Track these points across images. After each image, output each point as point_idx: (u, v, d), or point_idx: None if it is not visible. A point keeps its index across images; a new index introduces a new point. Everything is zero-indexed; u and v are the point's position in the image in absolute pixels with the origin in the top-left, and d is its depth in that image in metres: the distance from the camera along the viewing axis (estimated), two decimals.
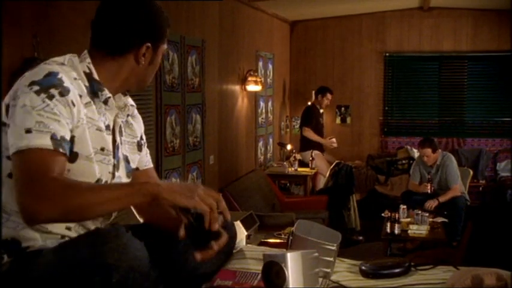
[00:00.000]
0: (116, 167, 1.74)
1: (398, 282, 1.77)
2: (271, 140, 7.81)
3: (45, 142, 1.47)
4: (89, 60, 1.68)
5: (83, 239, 1.43)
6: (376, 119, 8.63)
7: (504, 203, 7.43)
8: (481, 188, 7.97)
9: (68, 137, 1.53)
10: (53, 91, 1.52)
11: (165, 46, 1.75)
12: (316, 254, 1.70)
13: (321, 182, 7.57)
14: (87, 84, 1.65)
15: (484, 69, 8.23)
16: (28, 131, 1.46)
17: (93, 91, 1.66)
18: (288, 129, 8.78)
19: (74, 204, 1.41)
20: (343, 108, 8.69)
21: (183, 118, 4.86)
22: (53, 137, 1.48)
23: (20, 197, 1.41)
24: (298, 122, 8.79)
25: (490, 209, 7.53)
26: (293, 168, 7.53)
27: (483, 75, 8.19)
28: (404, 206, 6.11)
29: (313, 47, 8.70)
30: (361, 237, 6.78)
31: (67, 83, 1.56)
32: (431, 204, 6.23)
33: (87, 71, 1.67)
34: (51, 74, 1.55)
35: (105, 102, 1.68)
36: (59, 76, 1.56)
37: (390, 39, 8.52)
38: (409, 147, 8.17)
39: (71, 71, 1.62)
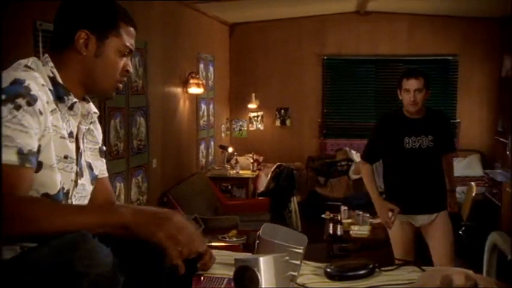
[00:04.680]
0: (78, 174, 1.69)
1: (364, 284, 1.79)
2: (212, 143, 7.77)
3: (11, 158, 1.42)
4: (51, 63, 1.62)
5: (49, 246, 1.36)
6: (315, 121, 8.72)
7: None
8: None
9: (35, 149, 1.48)
10: (20, 101, 1.45)
11: (121, 41, 1.68)
12: (287, 258, 1.69)
13: (263, 184, 7.60)
14: (52, 89, 1.59)
15: None
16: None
17: (59, 96, 1.61)
18: (229, 132, 8.77)
19: (37, 227, 1.37)
20: (282, 111, 8.75)
21: (128, 121, 4.77)
22: (19, 152, 1.43)
23: None
24: (239, 124, 8.81)
25: None
26: (235, 171, 7.54)
27: None
28: (346, 207, 6.21)
29: (253, 50, 8.72)
30: None
31: (34, 91, 1.50)
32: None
33: (51, 75, 1.62)
34: (16, 82, 1.48)
35: (71, 107, 1.63)
36: (26, 84, 1.49)
37: (329, 43, 8.63)
38: (347, 148, 8.30)
39: (38, 76, 1.56)
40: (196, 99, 6.91)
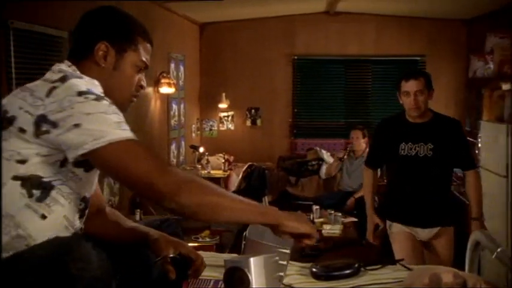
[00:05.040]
0: None
1: (351, 283, 1.80)
2: (183, 143, 7.73)
3: (133, 136, 1.52)
4: (79, 73, 1.65)
5: (44, 248, 1.35)
6: (286, 121, 8.75)
7: None
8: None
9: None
10: (107, 99, 1.54)
11: (138, 56, 1.73)
12: (277, 258, 1.70)
13: (234, 184, 7.59)
14: None
15: (386, 72, 8.52)
16: (117, 126, 1.48)
17: None
18: (199, 132, 8.74)
19: (211, 200, 1.48)
20: (253, 111, 8.75)
21: None
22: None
23: (159, 182, 1.45)
24: (209, 124, 8.79)
25: None
26: (206, 171, 7.51)
27: (386, 78, 8.46)
28: (317, 207, 6.24)
29: (224, 49, 8.70)
30: None
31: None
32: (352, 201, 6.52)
33: None
34: (94, 84, 1.60)
35: None
36: (101, 89, 1.60)
37: (299, 43, 8.66)
38: (318, 148, 8.34)
39: (98, 85, 1.63)
40: (167, 99, 6.87)
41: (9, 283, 1.32)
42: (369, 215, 3.79)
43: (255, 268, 1.57)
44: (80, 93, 1.49)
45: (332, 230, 5.78)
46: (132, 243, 1.74)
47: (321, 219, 6.03)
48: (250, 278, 1.55)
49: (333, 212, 5.98)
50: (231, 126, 8.77)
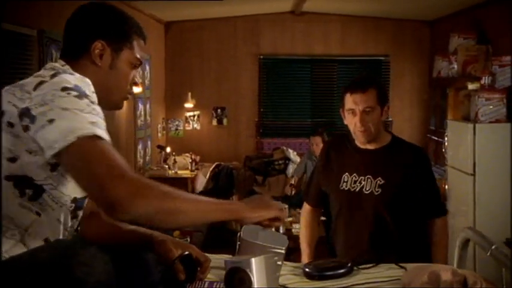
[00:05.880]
0: None
1: (345, 283, 1.80)
2: (149, 143, 7.66)
3: (108, 138, 1.44)
4: (72, 72, 1.61)
5: (47, 251, 1.31)
6: (252, 120, 8.74)
7: None
8: None
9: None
10: (91, 98, 1.50)
11: (133, 54, 1.70)
12: (276, 258, 1.69)
13: (201, 184, 7.56)
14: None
15: (352, 72, 8.59)
16: (91, 124, 1.41)
17: None
18: (165, 132, 8.66)
19: (169, 206, 1.41)
20: (219, 110, 8.72)
21: None
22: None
23: (110, 187, 1.33)
24: (175, 124, 8.72)
25: None
26: (173, 171, 7.46)
27: (351, 78, 8.43)
28: (286, 206, 6.27)
29: (189, 49, 8.64)
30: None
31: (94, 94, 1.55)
32: None
33: None
34: (82, 82, 1.53)
35: None
36: (91, 88, 1.55)
37: (264, 42, 8.67)
38: (284, 147, 8.36)
39: (90, 84, 1.58)
40: (133, 99, 6.80)
41: (14, 284, 1.28)
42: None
43: (257, 268, 1.56)
44: (64, 88, 1.46)
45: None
46: (131, 246, 1.71)
47: (290, 219, 6.06)
48: (252, 278, 1.54)
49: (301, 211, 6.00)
50: (197, 126, 8.72)
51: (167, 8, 7.35)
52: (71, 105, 1.43)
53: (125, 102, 6.13)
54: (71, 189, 1.54)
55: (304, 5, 7.86)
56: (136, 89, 6.42)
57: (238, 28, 8.66)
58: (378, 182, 2.57)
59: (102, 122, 1.46)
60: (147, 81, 7.45)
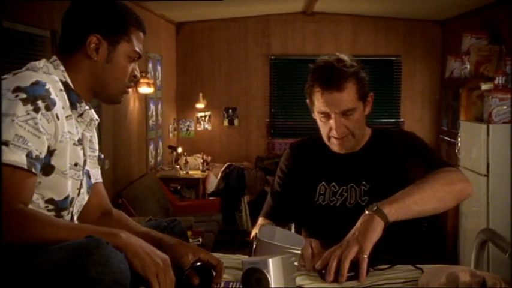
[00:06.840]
0: (81, 183, 1.65)
1: (363, 284, 1.79)
2: (161, 143, 7.68)
3: (20, 159, 1.37)
4: (62, 67, 1.58)
5: (61, 251, 1.30)
6: (263, 120, 8.74)
7: None
8: None
9: (43, 156, 1.44)
10: (40, 103, 1.42)
11: (131, 47, 1.66)
12: (293, 259, 1.69)
13: (212, 185, 7.56)
14: (65, 94, 1.56)
15: None
16: (5, 143, 1.35)
17: (72, 103, 1.58)
18: (176, 132, 8.68)
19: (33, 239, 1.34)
20: (230, 111, 8.72)
21: None
22: (28, 155, 1.39)
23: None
24: (187, 124, 8.73)
25: None
26: (184, 171, 7.47)
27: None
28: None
29: (200, 49, 8.66)
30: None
31: (53, 95, 1.47)
32: None
33: (63, 79, 1.58)
34: (39, 83, 1.45)
35: (81, 114, 1.60)
36: (47, 87, 1.46)
37: (275, 43, 8.67)
38: None
39: (57, 81, 1.53)
40: (145, 99, 6.82)
41: (27, 286, 1.28)
42: None
43: (274, 269, 1.55)
44: (16, 89, 1.41)
45: None
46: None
47: None
48: (269, 279, 1.53)
49: None
50: (208, 126, 8.73)
51: (178, 9, 7.36)
52: (10, 110, 1.38)
53: (137, 103, 6.16)
54: (43, 190, 1.50)
55: (315, 5, 7.85)
56: (149, 90, 6.44)
57: (249, 28, 8.66)
58: (363, 188, 2.08)
59: (31, 137, 1.40)
60: (158, 82, 7.46)
